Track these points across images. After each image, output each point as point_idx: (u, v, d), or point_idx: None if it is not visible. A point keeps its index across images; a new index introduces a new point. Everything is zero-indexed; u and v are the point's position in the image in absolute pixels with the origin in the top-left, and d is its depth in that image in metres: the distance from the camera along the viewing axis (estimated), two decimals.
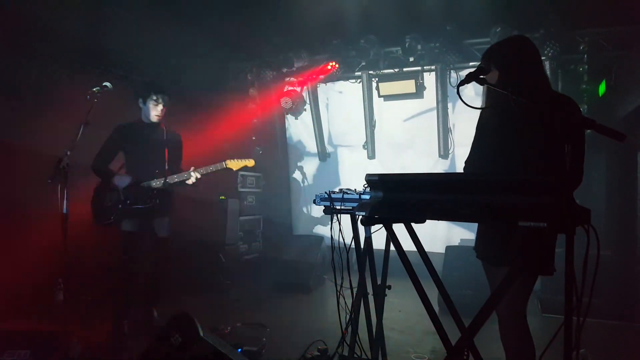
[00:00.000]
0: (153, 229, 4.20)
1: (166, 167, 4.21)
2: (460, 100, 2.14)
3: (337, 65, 7.07)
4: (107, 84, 3.72)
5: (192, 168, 4.14)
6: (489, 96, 2.57)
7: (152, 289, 4.29)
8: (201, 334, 2.79)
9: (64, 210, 3.29)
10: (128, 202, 4.05)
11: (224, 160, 4.22)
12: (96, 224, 4.07)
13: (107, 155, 4.19)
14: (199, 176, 4.14)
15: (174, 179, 4.14)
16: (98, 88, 3.65)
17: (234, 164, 4.24)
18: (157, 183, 4.12)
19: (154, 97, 4.18)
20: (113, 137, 4.19)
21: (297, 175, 8.28)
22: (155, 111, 4.19)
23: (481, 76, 2.25)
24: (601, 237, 1.67)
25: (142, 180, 4.11)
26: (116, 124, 4.21)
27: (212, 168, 4.19)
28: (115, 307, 4.06)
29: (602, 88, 5.86)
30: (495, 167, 2.48)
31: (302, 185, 8.22)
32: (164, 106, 4.22)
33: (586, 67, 5.84)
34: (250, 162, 4.31)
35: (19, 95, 4.79)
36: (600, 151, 5.95)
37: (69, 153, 3.40)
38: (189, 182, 4.15)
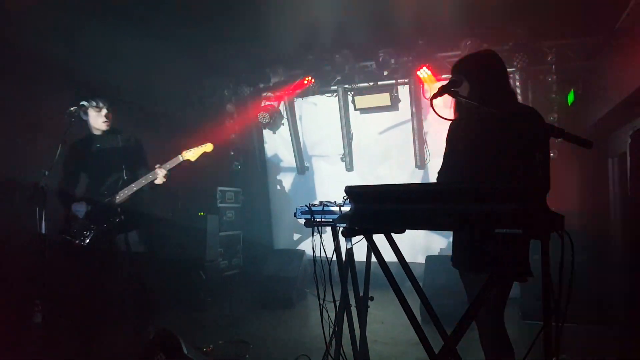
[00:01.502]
0: (126, 246, 3.98)
1: (125, 177, 3.98)
2: (432, 112, 2.19)
3: (312, 80, 7.10)
4: (85, 103, 3.69)
5: (157, 166, 3.90)
6: (458, 108, 2.64)
7: (140, 310, 4.12)
8: (185, 351, 2.76)
9: (43, 231, 3.23)
10: (92, 226, 3.85)
11: (180, 153, 4.01)
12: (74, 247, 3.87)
13: (70, 180, 3.97)
14: (165, 172, 3.89)
15: (142, 182, 3.89)
16: (75, 108, 3.62)
17: (191, 154, 4.03)
18: (120, 197, 3.90)
19: (94, 103, 3.89)
20: (70, 160, 3.91)
21: (276, 189, 8.28)
22: (100, 118, 3.93)
23: (453, 89, 2.32)
24: (575, 242, 1.72)
25: (103, 197, 3.91)
26: (69, 145, 3.85)
27: (169, 164, 3.95)
28: (82, 331, 3.93)
29: (570, 97, 6.03)
30: (467, 177, 2.54)
31: (281, 199, 8.22)
32: (107, 110, 3.95)
33: (554, 77, 6.01)
34: (208, 147, 4.09)
35: None
36: (573, 158, 6.11)
37: (47, 173, 3.36)
38: (158, 181, 3.90)
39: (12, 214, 4.21)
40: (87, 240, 3.82)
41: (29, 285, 3.71)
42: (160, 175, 3.88)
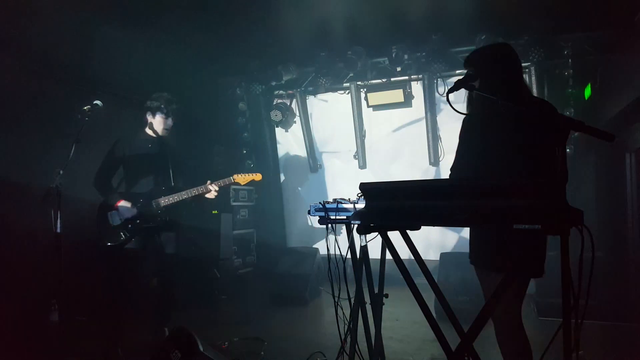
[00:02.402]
0: (158, 246, 4.12)
1: (172, 184, 4.16)
2: (445, 108, 2.17)
3: None
4: (98, 102, 3.72)
5: (208, 182, 4.12)
6: (471, 102, 2.61)
7: (162, 308, 4.22)
8: (201, 348, 2.77)
9: (58, 230, 3.26)
10: (138, 221, 3.99)
11: (232, 175, 4.25)
12: (102, 244, 3.99)
13: (109, 171, 4.15)
14: (217, 189, 4.13)
15: (192, 193, 4.08)
16: (89, 106, 3.66)
17: (241, 179, 4.26)
18: (167, 200, 4.04)
19: (165, 111, 4.13)
20: (113, 152, 4.12)
21: (289, 187, 8.28)
22: (164, 125, 4.15)
23: (469, 83, 2.29)
24: (593, 238, 1.68)
25: (149, 198, 4.05)
26: (116, 138, 4.15)
27: (221, 182, 4.18)
28: (108, 329, 3.99)
29: (587, 91, 5.94)
30: (482, 173, 2.51)
31: (294, 197, 8.21)
32: (172, 120, 4.17)
33: (571, 71, 5.91)
34: (258, 176, 4.35)
35: (7, 114, 4.76)
36: (589, 153, 6.02)
37: (61, 172, 3.39)
38: (210, 195, 4.13)
39: (28, 213, 4.27)
40: (123, 237, 3.97)
41: (45, 284, 3.75)
42: (212, 189, 4.11)
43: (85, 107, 3.65)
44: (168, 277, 4.21)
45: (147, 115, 4.16)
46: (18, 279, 4.46)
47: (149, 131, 4.19)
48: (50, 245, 3.34)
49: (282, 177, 8.30)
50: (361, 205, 2.57)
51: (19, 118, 4.84)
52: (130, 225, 3.99)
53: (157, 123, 4.15)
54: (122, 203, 4.00)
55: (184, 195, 4.07)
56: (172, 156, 4.23)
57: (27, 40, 4.69)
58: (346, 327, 3.04)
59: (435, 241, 6.89)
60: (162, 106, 4.12)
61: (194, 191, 4.08)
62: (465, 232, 6.40)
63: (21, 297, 4.36)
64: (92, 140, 4.00)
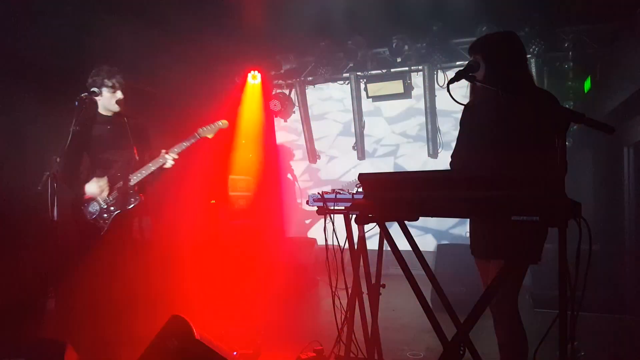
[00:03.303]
0: (135, 231, 3.99)
1: (137, 159, 3.92)
2: (445, 100, 2.16)
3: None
4: (95, 89, 3.68)
5: (162, 151, 3.88)
6: (473, 91, 2.61)
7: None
8: (197, 337, 2.78)
9: (54, 217, 3.25)
10: (112, 208, 3.81)
11: (196, 132, 4.03)
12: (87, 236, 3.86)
13: (75, 163, 3.86)
14: (175, 157, 3.89)
15: (150, 168, 3.85)
16: (86, 94, 3.62)
17: (208, 131, 4.08)
18: (135, 178, 3.85)
19: (110, 84, 3.86)
20: (74, 143, 3.67)
21: (287, 177, 8.28)
22: (114, 98, 3.88)
23: (470, 73, 2.29)
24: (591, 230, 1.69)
25: (116, 180, 3.85)
26: (72, 128, 3.64)
27: (185, 143, 3.95)
28: (102, 318, 3.97)
29: (587, 84, 5.93)
30: (483, 162, 2.51)
31: (293, 187, 8.22)
32: (122, 92, 3.91)
33: (571, 64, 5.90)
34: (224, 123, 4.20)
35: (2, 100, 4.72)
36: (587, 146, 6.03)
37: (58, 160, 3.36)
38: (167, 165, 3.89)
39: (24, 201, 4.25)
40: (105, 229, 3.80)
41: (42, 272, 3.74)
42: (169, 159, 3.88)
43: (82, 95, 3.61)
44: (142, 264, 4.03)
45: (94, 95, 3.81)
46: (14, 267, 4.45)
47: (102, 111, 3.95)
48: (46, 232, 3.33)
49: (281, 167, 8.30)
50: (360, 196, 2.58)
51: (15, 104, 4.81)
52: (105, 215, 3.81)
53: (106, 99, 3.88)
54: (90, 190, 3.77)
55: (143, 172, 3.86)
56: (133, 130, 3.99)
57: (24, 24, 4.65)
58: (343, 316, 3.05)
59: (432, 230, 6.92)
60: (106, 80, 3.85)
61: (150, 166, 3.86)
62: (463, 220, 6.43)
63: (17, 285, 4.35)
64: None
